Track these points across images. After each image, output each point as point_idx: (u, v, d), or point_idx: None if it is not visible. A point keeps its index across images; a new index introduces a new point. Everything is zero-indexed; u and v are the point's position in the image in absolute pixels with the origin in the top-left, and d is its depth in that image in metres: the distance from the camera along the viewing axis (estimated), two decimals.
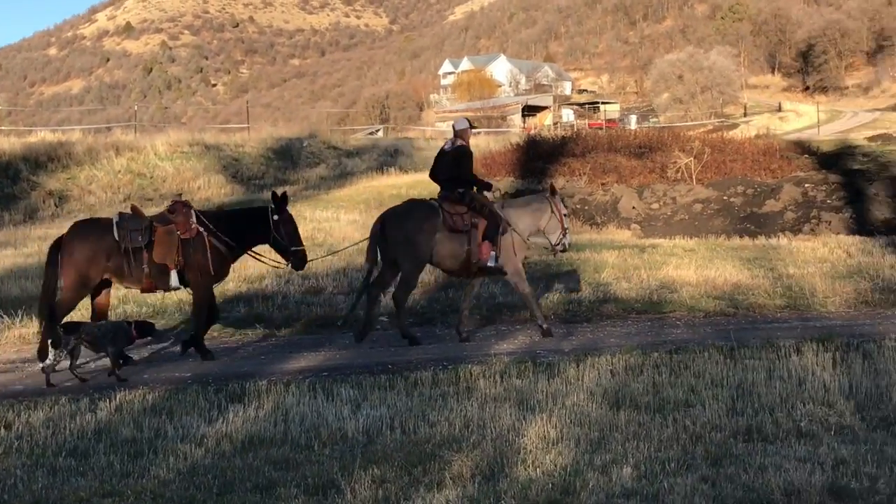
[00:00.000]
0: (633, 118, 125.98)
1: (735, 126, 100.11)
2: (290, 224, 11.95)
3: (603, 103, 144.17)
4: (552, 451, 7.29)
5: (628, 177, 27.99)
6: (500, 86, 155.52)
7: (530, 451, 7.30)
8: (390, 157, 37.19)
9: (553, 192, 13.23)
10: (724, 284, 15.74)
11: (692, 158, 27.97)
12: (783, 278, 16.15)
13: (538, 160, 30.41)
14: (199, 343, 11.67)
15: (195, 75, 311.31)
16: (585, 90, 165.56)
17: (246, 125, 47.05)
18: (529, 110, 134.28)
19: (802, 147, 33.68)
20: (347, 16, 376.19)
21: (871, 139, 41.81)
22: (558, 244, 12.94)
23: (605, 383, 9.31)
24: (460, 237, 12.35)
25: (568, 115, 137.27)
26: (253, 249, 12.29)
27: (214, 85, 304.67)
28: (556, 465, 6.98)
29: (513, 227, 12.59)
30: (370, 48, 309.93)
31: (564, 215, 12.94)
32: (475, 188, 12.78)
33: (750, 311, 14.36)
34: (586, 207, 26.50)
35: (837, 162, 30.02)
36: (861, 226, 22.92)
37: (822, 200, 24.96)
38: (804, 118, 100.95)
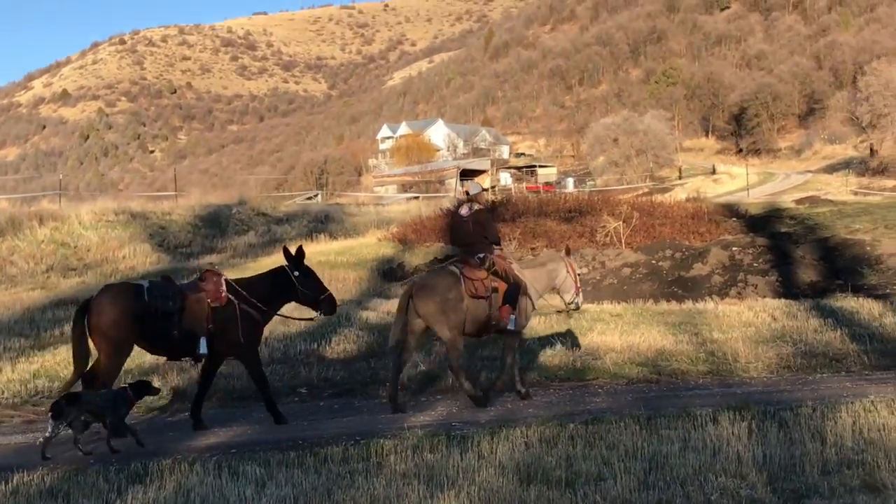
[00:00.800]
0: (571, 181, 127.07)
1: (670, 189, 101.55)
2: (311, 276, 12.19)
3: (540, 166, 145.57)
4: None
5: (558, 241, 28.00)
6: (438, 150, 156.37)
7: None
8: (321, 224, 37.07)
9: (568, 252, 13.82)
10: (648, 350, 15.65)
11: (621, 222, 28.11)
12: (707, 343, 16.11)
13: None
14: (271, 406, 11.78)
15: (132, 142, 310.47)
16: (523, 154, 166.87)
17: (174, 193, 46.64)
18: (467, 174, 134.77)
19: (731, 210, 34.00)
20: (286, 81, 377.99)
21: (798, 202, 42.40)
22: (572, 303, 13.44)
23: (517, 457, 9.09)
24: (482, 302, 12.48)
25: (506, 178, 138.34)
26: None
27: (152, 151, 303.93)
28: None
29: (529, 288, 12.88)
30: (309, 113, 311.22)
31: (578, 275, 13.45)
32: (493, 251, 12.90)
33: (672, 377, 14.24)
34: None
35: (765, 225, 30.31)
36: (787, 289, 23.03)
37: (748, 264, 25.10)
38: (737, 180, 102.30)
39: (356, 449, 9.72)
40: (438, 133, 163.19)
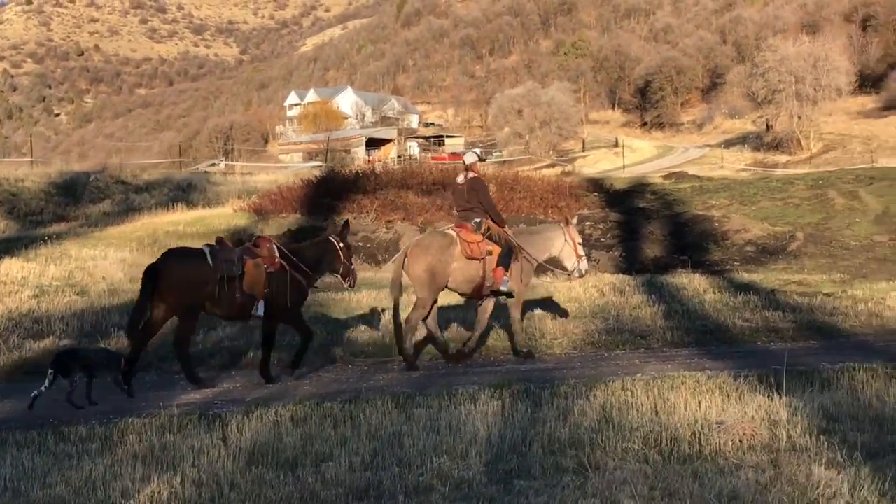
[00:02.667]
0: (477, 151, 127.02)
1: (573, 160, 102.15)
2: (352, 249, 13.57)
3: (448, 137, 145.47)
4: None
5: (416, 214, 27.94)
6: (346, 118, 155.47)
7: None
8: (182, 193, 36.49)
9: (567, 221, 14.34)
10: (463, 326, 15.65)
11: None
12: (523, 319, 16.13)
13: (327, 196, 30.15)
14: (264, 369, 12.50)
15: (37, 104, 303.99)
16: (432, 123, 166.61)
17: (30, 159, 45.66)
18: (374, 143, 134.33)
19: (596, 185, 34.18)
20: (197, 45, 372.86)
21: (666, 177, 42.76)
22: (573, 270, 14.19)
23: (260, 437, 8.99)
24: (476, 264, 13.30)
25: (413, 148, 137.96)
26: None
27: (58, 114, 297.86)
28: None
29: (525, 253, 13.64)
30: (219, 78, 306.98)
31: (579, 244, 14.10)
32: (492, 218, 13.66)
33: (477, 354, 14.26)
34: (369, 245, 26.35)
35: (626, 200, 30.51)
36: (630, 264, 23.26)
37: (596, 238, 25.31)
38: (637, 153, 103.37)
39: (103, 428, 9.53)
40: (347, 101, 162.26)
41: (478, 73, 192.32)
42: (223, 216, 29.23)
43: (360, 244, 25.80)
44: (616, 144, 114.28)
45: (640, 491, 7.03)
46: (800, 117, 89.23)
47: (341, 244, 13.08)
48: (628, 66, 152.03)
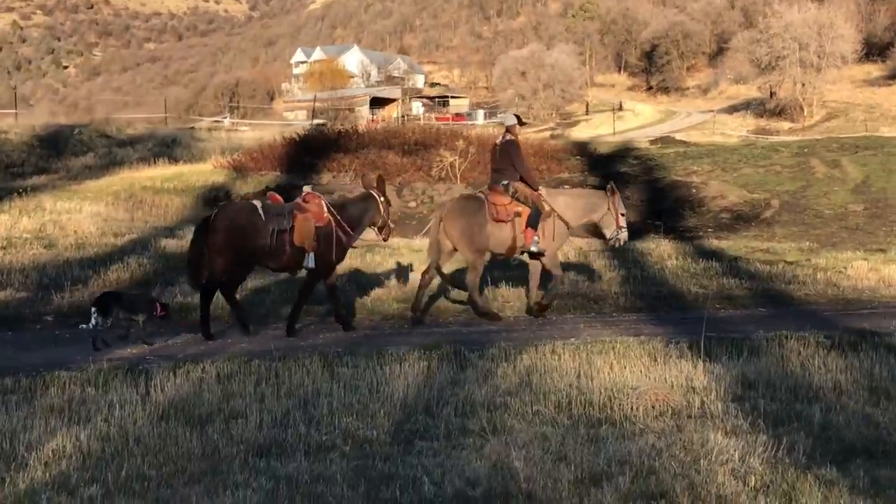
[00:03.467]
0: (481, 113, 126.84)
1: (574, 125, 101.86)
2: (390, 204, 13.71)
3: (452, 97, 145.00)
4: (60, 464, 7.02)
5: (394, 174, 27.88)
6: (352, 77, 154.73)
7: (31, 464, 6.98)
8: (166, 148, 36.41)
9: (613, 191, 14.37)
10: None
11: (457, 157, 28.03)
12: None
13: (308, 155, 30.10)
14: (340, 317, 13.19)
15: (46, 56, 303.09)
16: (437, 84, 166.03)
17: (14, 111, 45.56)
18: (378, 102, 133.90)
19: (581, 149, 34.08)
20: (206, 0, 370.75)
21: (652, 142, 42.54)
22: (612, 239, 14.33)
23: (181, 394, 9.02)
24: (505, 226, 13.61)
25: (418, 108, 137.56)
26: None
27: (66, 67, 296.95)
28: (50, 476, 6.69)
29: (559, 214, 13.84)
30: (228, 34, 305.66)
31: (622, 213, 14.17)
32: (524, 180, 13.90)
33: (431, 316, 14.28)
34: None
35: (608, 164, 30.43)
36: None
37: None
38: (640, 117, 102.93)
39: (28, 380, 9.56)
40: (353, 59, 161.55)
41: (485, 34, 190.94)
42: (202, 172, 29.21)
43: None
44: (620, 108, 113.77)
45: (533, 454, 7.08)
46: (803, 84, 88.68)
47: (382, 198, 13.37)
48: (635, 29, 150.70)
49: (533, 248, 13.72)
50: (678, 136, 47.03)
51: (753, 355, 10.29)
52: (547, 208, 13.79)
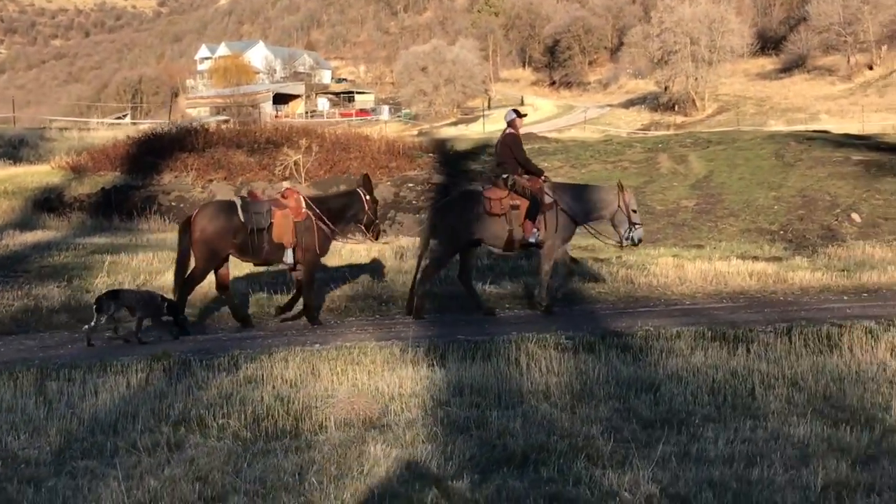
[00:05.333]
0: (386, 109, 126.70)
1: (474, 120, 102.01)
2: (376, 201, 14.03)
3: (358, 93, 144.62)
4: None
5: (238, 173, 27.52)
6: (257, 73, 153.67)
7: None
8: (12, 149, 35.57)
9: (621, 188, 14.11)
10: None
11: (301, 156, 27.73)
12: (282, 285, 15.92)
13: (150, 155, 29.54)
14: (309, 311, 13.38)
15: None
16: (344, 79, 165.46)
17: None
18: (282, 99, 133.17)
19: (438, 146, 33.91)
20: None
21: None
22: (626, 237, 14.01)
23: None
24: (501, 219, 13.67)
25: (323, 104, 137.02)
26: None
27: None
28: None
29: (564, 207, 13.77)
30: (136, 31, 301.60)
31: (633, 211, 13.95)
32: (525, 173, 13.95)
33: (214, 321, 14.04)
34: (182, 205, 25.90)
35: (460, 162, 30.30)
36: None
37: (409, 201, 25.07)
38: (539, 112, 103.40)
39: None
40: (258, 55, 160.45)
41: (392, 30, 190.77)
42: (38, 174, 28.51)
43: (174, 204, 25.38)
44: (522, 103, 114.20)
45: (173, 473, 6.86)
46: (696, 79, 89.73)
47: (367, 196, 13.61)
48: (539, 24, 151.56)
49: (532, 240, 13.72)
50: (534, 132, 46.70)
51: (485, 359, 10.14)
52: (548, 200, 13.73)
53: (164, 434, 7.90)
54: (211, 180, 27.38)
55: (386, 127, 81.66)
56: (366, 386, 9.14)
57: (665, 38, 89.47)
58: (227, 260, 13.25)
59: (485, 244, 14.09)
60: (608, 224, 14.36)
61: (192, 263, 12.96)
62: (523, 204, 13.66)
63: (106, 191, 24.73)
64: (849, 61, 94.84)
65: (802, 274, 16.58)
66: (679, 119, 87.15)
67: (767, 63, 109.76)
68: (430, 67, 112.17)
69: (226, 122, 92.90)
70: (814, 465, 6.58)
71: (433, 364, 9.87)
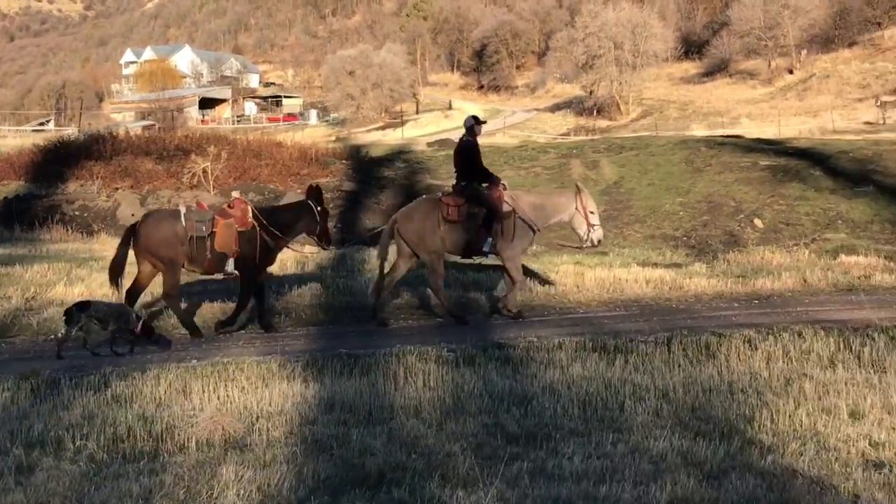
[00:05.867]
0: (314, 113, 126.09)
1: (404, 123, 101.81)
2: (327, 212, 14.14)
3: (286, 97, 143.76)
4: None
5: (144, 181, 27.16)
6: (184, 77, 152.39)
7: None
8: None
9: (579, 190, 14.17)
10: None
11: (209, 163, 27.44)
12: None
13: (56, 163, 29.05)
14: (232, 320, 13.45)
15: None
16: (272, 83, 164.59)
17: None
18: (209, 103, 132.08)
19: (354, 153, 33.75)
20: (39, 0, 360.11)
21: (430, 144, 42.43)
22: (585, 239, 14.05)
23: None
24: (459, 227, 13.66)
25: (251, 108, 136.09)
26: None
27: None
28: None
29: (521, 216, 13.70)
30: (62, 34, 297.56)
31: (591, 212, 13.96)
32: (481, 181, 13.95)
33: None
34: (86, 214, 25.52)
35: (374, 168, 30.17)
36: (345, 235, 22.88)
37: None
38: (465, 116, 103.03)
39: None
40: (184, 59, 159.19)
41: (320, 33, 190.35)
42: None
43: (78, 213, 24.98)
44: (450, 107, 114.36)
45: (15, 499, 6.68)
46: (620, 83, 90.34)
47: (318, 207, 13.68)
48: (467, 28, 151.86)
49: (486, 249, 13.75)
50: (449, 138, 46.50)
51: (363, 373, 10.03)
52: (507, 209, 13.70)
53: (15, 457, 7.70)
54: (117, 188, 27.00)
55: (308, 132, 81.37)
56: (235, 403, 8.99)
57: (589, 43, 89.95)
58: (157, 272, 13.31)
59: (447, 250, 14.07)
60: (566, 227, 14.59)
61: (144, 272, 13.20)
62: (481, 212, 13.69)
63: (7, 200, 24.23)
64: (770, 65, 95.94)
65: (699, 281, 16.65)
66: (604, 123, 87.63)
67: (692, 67, 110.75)
68: (357, 72, 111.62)
69: (150, 126, 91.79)
70: (663, 481, 6.55)
71: (308, 380, 9.76)
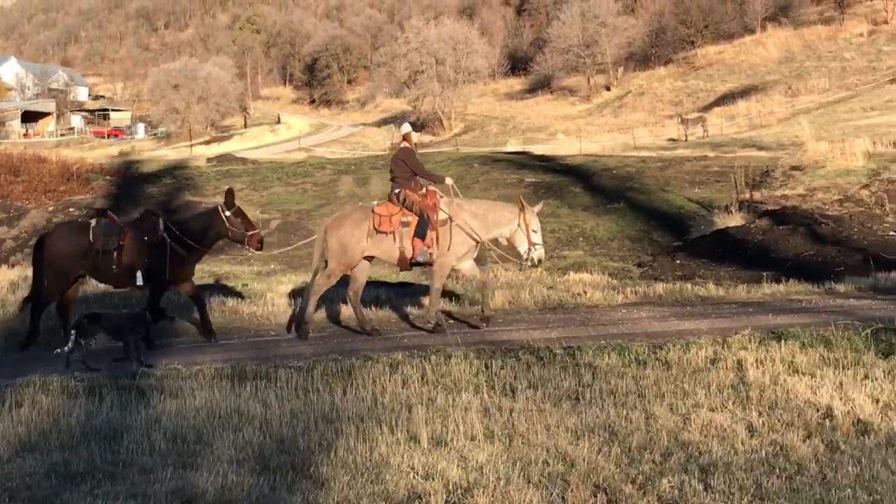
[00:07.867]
0: (142, 126, 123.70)
1: (228, 138, 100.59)
2: (241, 215, 13.58)
3: (114, 110, 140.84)
4: None
5: None
6: (9, 90, 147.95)
7: None
8: None
9: (523, 207, 13.72)
10: None
11: None
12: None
13: None
14: (205, 325, 13.42)
15: None
16: (102, 96, 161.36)
17: None
18: (32, 116, 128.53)
19: (121, 170, 32.93)
20: None
21: (209, 160, 41.66)
22: (526, 259, 13.67)
23: None
24: (390, 237, 13.38)
25: (78, 121, 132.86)
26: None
27: None
28: None
29: (460, 224, 13.41)
30: None
31: (534, 230, 13.55)
32: (424, 183, 13.71)
33: None
34: None
35: (142, 185, 29.46)
36: None
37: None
38: (293, 130, 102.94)
39: None
40: (9, 72, 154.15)
41: (152, 46, 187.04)
42: None
43: None
44: (278, 121, 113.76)
45: None
46: (442, 98, 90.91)
47: (227, 213, 13.30)
48: (299, 42, 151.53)
49: (420, 258, 13.41)
50: (231, 153, 45.93)
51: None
52: (443, 217, 13.41)
53: None
54: None
55: (101, 150, 79.54)
56: None
57: (412, 58, 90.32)
58: (76, 281, 13.31)
59: (381, 258, 13.93)
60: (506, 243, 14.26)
61: (46, 281, 13.02)
62: (414, 221, 13.41)
63: None
64: (589, 82, 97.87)
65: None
66: (427, 138, 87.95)
67: (517, 84, 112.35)
68: (182, 85, 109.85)
69: None
70: None
71: None
